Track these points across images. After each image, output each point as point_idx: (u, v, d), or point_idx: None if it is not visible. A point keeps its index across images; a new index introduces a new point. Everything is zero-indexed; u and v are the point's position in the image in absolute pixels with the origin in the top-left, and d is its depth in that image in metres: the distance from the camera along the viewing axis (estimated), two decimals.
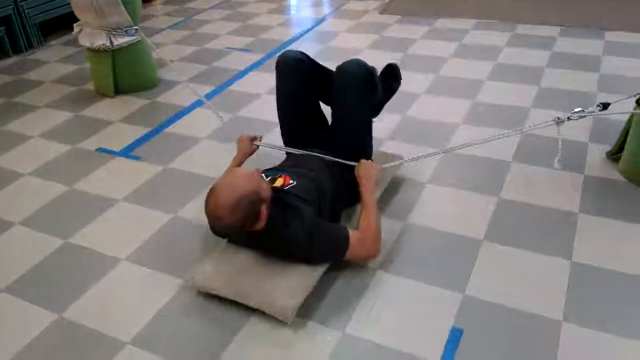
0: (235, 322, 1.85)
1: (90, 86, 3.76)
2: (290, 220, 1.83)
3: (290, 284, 1.82)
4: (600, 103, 2.08)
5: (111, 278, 2.08)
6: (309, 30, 4.70)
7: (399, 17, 4.82)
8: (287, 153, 2.37)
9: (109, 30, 3.38)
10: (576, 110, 2.05)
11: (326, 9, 5.31)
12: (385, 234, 2.09)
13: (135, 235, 2.30)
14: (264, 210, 1.80)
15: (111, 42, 3.40)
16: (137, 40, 3.49)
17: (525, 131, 2.27)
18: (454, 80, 3.55)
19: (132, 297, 1.99)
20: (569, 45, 3.97)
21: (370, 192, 2.06)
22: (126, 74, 3.60)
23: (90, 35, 3.43)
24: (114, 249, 2.22)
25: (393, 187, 2.50)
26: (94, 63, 3.61)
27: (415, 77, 3.56)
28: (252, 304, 1.82)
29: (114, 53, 3.47)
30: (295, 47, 4.30)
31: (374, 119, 2.32)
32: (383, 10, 5.04)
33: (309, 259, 1.87)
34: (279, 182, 1.98)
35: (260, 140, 2.43)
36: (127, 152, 2.96)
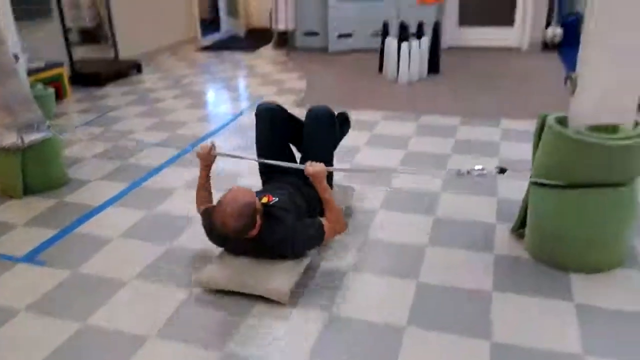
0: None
1: None
2: (276, 227, 2.38)
3: (282, 273, 2.34)
4: (498, 167, 2.36)
5: None
6: (226, 124, 4.78)
7: None
8: (263, 182, 2.89)
9: (19, 128, 3.25)
10: (477, 167, 2.30)
11: (243, 104, 5.46)
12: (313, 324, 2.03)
13: (39, 349, 2.09)
14: (258, 219, 2.30)
15: (22, 140, 3.26)
16: (49, 136, 3.38)
17: (428, 174, 2.77)
18: (369, 166, 3.70)
19: None
20: (470, 133, 4.29)
21: (323, 189, 2.51)
22: (36, 174, 3.43)
23: None
24: None
25: (320, 276, 2.49)
26: (1, 163, 3.42)
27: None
28: (255, 292, 2.30)
29: (24, 151, 3.33)
30: (213, 138, 4.33)
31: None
32: (298, 104, 5.26)
33: (295, 251, 2.41)
34: (264, 200, 2.48)
35: (215, 149, 2.73)
36: (31, 257, 2.76)
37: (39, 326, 2.25)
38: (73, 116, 5.16)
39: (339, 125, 2.99)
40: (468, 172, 2.32)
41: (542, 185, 2.44)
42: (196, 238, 2.85)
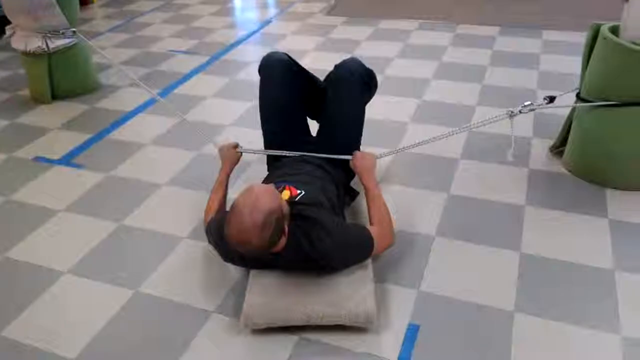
0: None
1: (25, 92, 3.57)
2: (314, 235, 1.70)
3: (351, 286, 1.75)
4: (547, 96, 2.22)
5: (53, 293, 1.97)
6: (254, 32, 4.65)
7: (345, 18, 4.84)
8: (268, 165, 2.32)
9: (44, 34, 3.22)
10: (526, 103, 2.18)
11: (272, 11, 5.27)
12: None
13: (79, 247, 2.19)
14: (286, 226, 1.65)
15: (47, 45, 3.24)
16: (74, 42, 3.35)
17: (478, 126, 2.32)
18: (401, 80, 3.59)
19: (78, 310, 1.89)
20: (509, 44, 4.09)
21: (372, 183, 2.05)
22: (64, 78, 3.44)
23: (24, 38, 3.26)
24: (57, 261, 2.11)
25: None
26: (28, 68, 3.43)
27: None
28: (333, 322, 1.70)
29: (50, 56, 3.31)
30: (241, 49, 4.25)
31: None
32: (328, 12, 5.06)
33: (337, 268, 1.79)
34: (286, 195, 1.84)
35: (240, 148, 2.28)
36: (67, 160, 2.82)
37: (77, 225, 2.33)
38: (99, 22, 5.07)
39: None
40: (520, 111, 2.18)
41: (590, 102, 2.33)
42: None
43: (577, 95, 2.43)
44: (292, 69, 2.22)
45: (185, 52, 4.21)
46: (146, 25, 4.89)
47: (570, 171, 2.53)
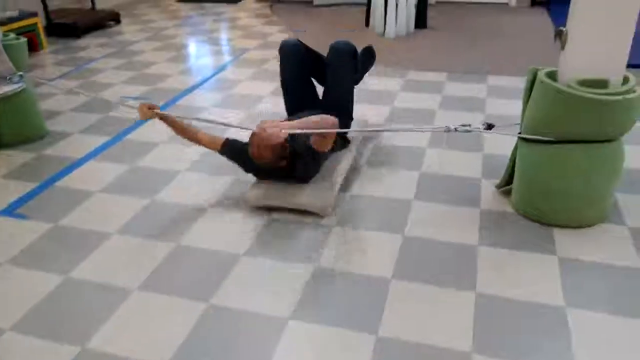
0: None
1: None
2: (301, 162, 2.58)
3: (320, 192, 2.63)
4: (485, 122, 2.37)
5: None
6: (209, 78, 4.67)
7: None
8: (288, 113, 3.09)
9: None
10: (464, 124, 2.32)
11: (227, 58, 5.33)
12: (295, 280, 2.05)
13: (22, 302, 2.07)
14: (287, 150, 2.49)
15: None
16: (21, 88, 3.27)
17: (418, 130, 2.78)
18: (355, 122, 3.65)
19: None
20: (457, 89, 4.25)
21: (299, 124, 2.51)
22: (10, 126, 3.34)
23: None
24: None
25: (299, 229, 2.49)
26: None
27: None
28: (299, 207, 2.58)
29: None
30: (195, 95, 4.25)
31: (355, 87, 3.12)
32: None
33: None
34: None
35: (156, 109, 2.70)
36: (10, 211, 2.70)
37: (21, 279, 2.22)
38: (49, 69, 4.99)
39: (363, 59, 3.15)
40: (456, 129, 2.31)
41: (531, 140, 2.44)
42: (178, 192, 2.83)
43: (519, 137, 2.54)
44: (301, 51, 3.01)
45: (138, 99, 4.17)
46: (98, 72, 4.84)
47: (517, 210, 2.61)
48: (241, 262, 2.31)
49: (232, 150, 2.71)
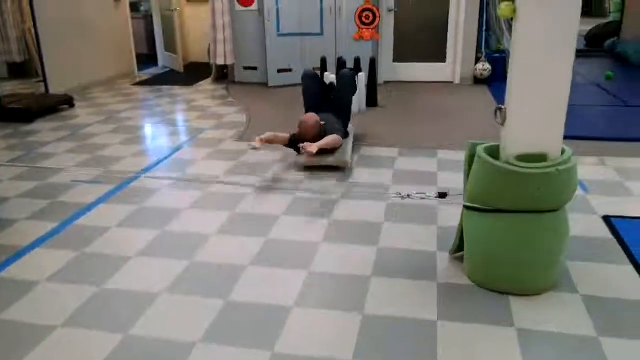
0: None
1: None
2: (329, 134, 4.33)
3: (340, 153, 4.28)
4: (438, 192, 2.45)
5: None
6: (164, 159, 4.66)
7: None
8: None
9: None
10: (417, 192, 2.39)
11: (182, 139, 5.36)
12: None
13: None
14: (321, 132, 4.30)
15: None
16: None
17: (377, 198, 2.40)
18: (308, 200, 3.68)
19: None
20: (408, 164, 4.38)
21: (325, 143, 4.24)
22: None
23: None
24: None
25: (256, 312, 2.42)
26: None
27: (272, 197, 3.63)
28: (328, 163, 4.19)
29: None
30: (150, 176, 4.21)
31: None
32: (239, 138, 5.22)
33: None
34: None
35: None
36: None
37: None
38: None
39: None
40: (409, 196, 2.41)
41: (474, 209, 2.51)
42: (132, 279, 2.73)
43: (465, 206, 2.61)
44: (318, 78, 5.05)
45: (90, 182, 4.10)
46: (49, 156, 4.76)
47: (472, 280, 2.63)
48: (197, 348, 2.21)
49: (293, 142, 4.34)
